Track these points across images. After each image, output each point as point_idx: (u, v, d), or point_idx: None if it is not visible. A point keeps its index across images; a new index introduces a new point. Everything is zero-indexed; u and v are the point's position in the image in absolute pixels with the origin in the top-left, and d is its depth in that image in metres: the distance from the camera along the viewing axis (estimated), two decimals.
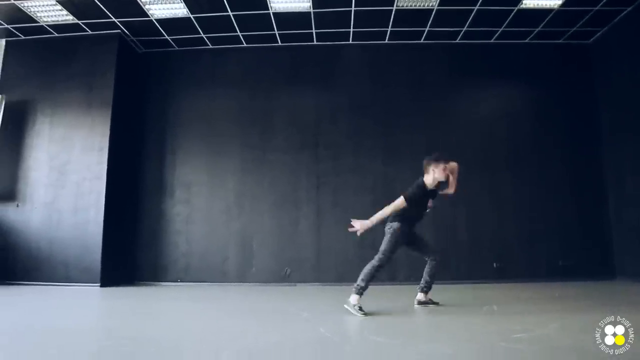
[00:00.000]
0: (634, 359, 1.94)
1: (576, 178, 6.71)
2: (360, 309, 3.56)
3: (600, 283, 5.94)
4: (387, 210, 3.81)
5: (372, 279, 3.73)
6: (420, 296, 4.08)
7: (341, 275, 6.39)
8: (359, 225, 3.79)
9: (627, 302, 4.25)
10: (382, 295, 5.04)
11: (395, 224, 3.86)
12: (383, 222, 3.89)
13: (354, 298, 3.64)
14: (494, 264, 6.46)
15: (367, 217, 6.76)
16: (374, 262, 3.78)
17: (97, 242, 6.12)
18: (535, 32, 6.75)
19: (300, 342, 2.63)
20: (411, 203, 3.80)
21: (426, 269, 4.09)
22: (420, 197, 3.93)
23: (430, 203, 4.03)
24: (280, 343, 2.60)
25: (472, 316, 3.51)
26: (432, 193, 4.04)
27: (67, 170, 6.38)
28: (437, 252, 4.16)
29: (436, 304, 4.08)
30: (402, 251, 6.47)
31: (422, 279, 4.09)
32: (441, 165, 4.01)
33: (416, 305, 4.06)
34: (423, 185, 3.97)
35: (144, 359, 2.23)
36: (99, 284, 5.99)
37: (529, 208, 6.62)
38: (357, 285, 3.70)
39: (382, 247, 3.85)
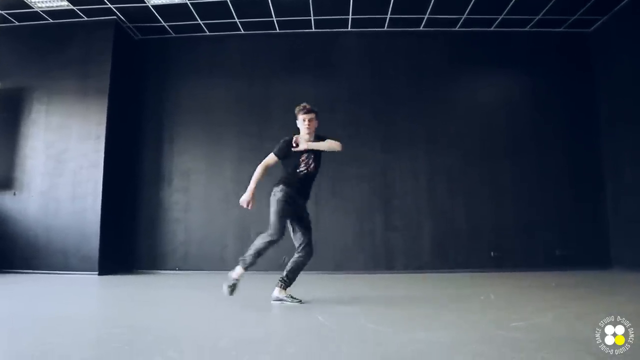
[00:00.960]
0: (634, 359, 1.94)
1: (574, 167, 6.71)
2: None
3: (597, 272, 5.98)
4: (258, 170, 3.61)
5: (260, 254, 3.48)
6: (276, 291, 3.57)
7: (339, 264, 6.42)
8: (244, 201, 3.57)
9: (623, 292, 4.28)
10: (379, 284, 5.06)
11: (278, 190, 3.57)
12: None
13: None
14: (492, 253, 6.48)
15: (365, 207, 6.79)
16: (265, 235, 3.51)
17: (95, 231, 6.12)
18: (536, 20, 6.69)
19: (298, 330, 2.63)
20: (281, 157, 3.61)
21: (291, 261, 3.61)
22: (288, 151, 3.59)
23: (306, 161, 3.58)
24: (278, 331, 2.60)
25: (469, 305, 3.52)
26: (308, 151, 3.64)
27: (64, 159, 6.34)
28: (310, 245, 3.63)
29: (299, 301, 3.50)
30: (401, 240, 6.55)
31: (285, 271, 3.59)
32: (307, 116, 3.74)
33: (273, 302, 3.55)
34: (290, 139, 3.65)
35: (142, 347, 2.22)
36: (97, 272, 5.99)
37: (527, 197, 6.63)
38: (243, 259, 3.49)
39: (270, 220, 3.55)
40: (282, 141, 3.69)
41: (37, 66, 6.58)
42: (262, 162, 3.67)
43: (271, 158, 3.67)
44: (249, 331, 2.62)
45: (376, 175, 6.70)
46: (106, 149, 6.32)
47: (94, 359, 2.01)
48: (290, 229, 3.66)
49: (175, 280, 5.57)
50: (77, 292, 4.58)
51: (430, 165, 6.72)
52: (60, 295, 4.34)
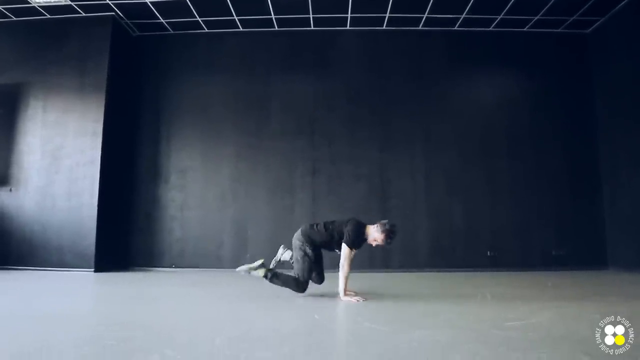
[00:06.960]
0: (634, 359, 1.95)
1: (572, 167, 6.72)
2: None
3: (593, 272, 6.00)
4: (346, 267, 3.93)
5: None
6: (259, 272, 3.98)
7: (335, 262, 6.40)
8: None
9: (619, 292, 4.29)
10: (376, 282, 5.06)
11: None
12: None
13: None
14: (488, 253, 6.49)
15: (362, 205, 6.78)
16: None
17: (91, 227, 6.10)
18: (534, 20, 6.70)
19: (295, 329, 2.63)
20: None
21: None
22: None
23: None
24: (274, 329, 2.60)
25: (465, 304, 3.53)
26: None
27: (60, 155, 6.32)
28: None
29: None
30: (398, 239, 6.54)
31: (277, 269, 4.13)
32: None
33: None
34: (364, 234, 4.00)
35: (139, 345, 2.22)
36: (92, 269, 5.98)
37: (524, 197, 6.64)
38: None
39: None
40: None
41: (34, 62, 6.54)
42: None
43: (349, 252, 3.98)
44: (245, 329, 2.62)
45: (373, 175, 6.70)
46: (103, 145, 6.29)
47: (90, 356, 2.01)
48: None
49: (171, 278, 5.56)
50: (72, 289, 4.56)
51: (427, 165, 6.72)
52: (56, 292, 4.32)
